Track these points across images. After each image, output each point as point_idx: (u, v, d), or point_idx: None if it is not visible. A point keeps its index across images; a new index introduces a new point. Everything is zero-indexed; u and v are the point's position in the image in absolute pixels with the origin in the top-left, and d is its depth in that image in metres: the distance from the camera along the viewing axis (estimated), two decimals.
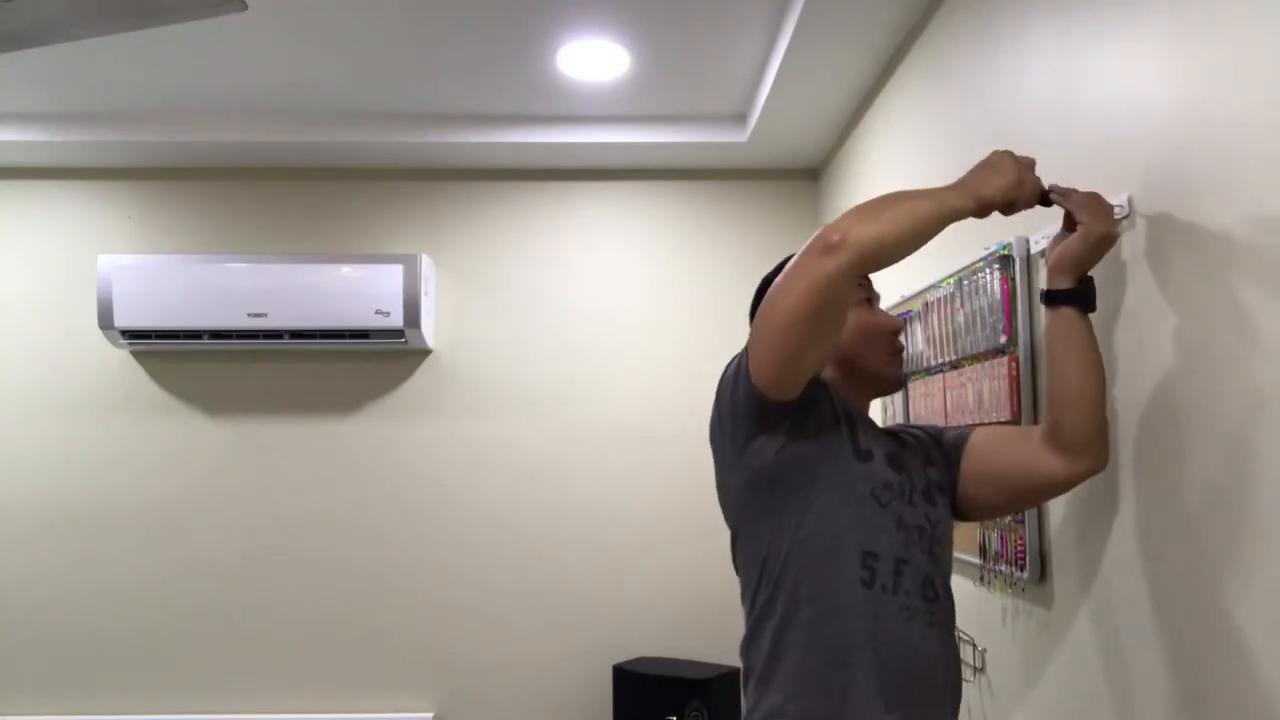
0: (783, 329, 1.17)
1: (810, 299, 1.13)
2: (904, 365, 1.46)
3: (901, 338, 1.45)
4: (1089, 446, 1.28)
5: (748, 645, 1.33)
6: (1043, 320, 1.54)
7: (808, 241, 1.16)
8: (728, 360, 1.38)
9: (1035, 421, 1.55)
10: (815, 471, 1.26)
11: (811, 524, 1.25)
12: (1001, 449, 1.38)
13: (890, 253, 1.15)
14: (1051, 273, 1.29)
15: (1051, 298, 1.28)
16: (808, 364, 1.21)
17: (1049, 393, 1.31)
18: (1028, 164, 1.26)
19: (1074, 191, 1.27)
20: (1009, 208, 1.24)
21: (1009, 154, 1.25)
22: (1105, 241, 1.24)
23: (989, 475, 1.38)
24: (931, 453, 1.42)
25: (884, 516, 1.27)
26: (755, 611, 1.30)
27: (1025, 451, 1.34)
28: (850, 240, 1.11)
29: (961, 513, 1.42)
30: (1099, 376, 1.27)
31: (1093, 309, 1.28)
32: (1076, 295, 1.27)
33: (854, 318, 1.37)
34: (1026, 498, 1.44)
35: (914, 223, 1.16)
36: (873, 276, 1.39)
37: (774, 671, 1.26)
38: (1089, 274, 1.27)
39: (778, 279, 1.20)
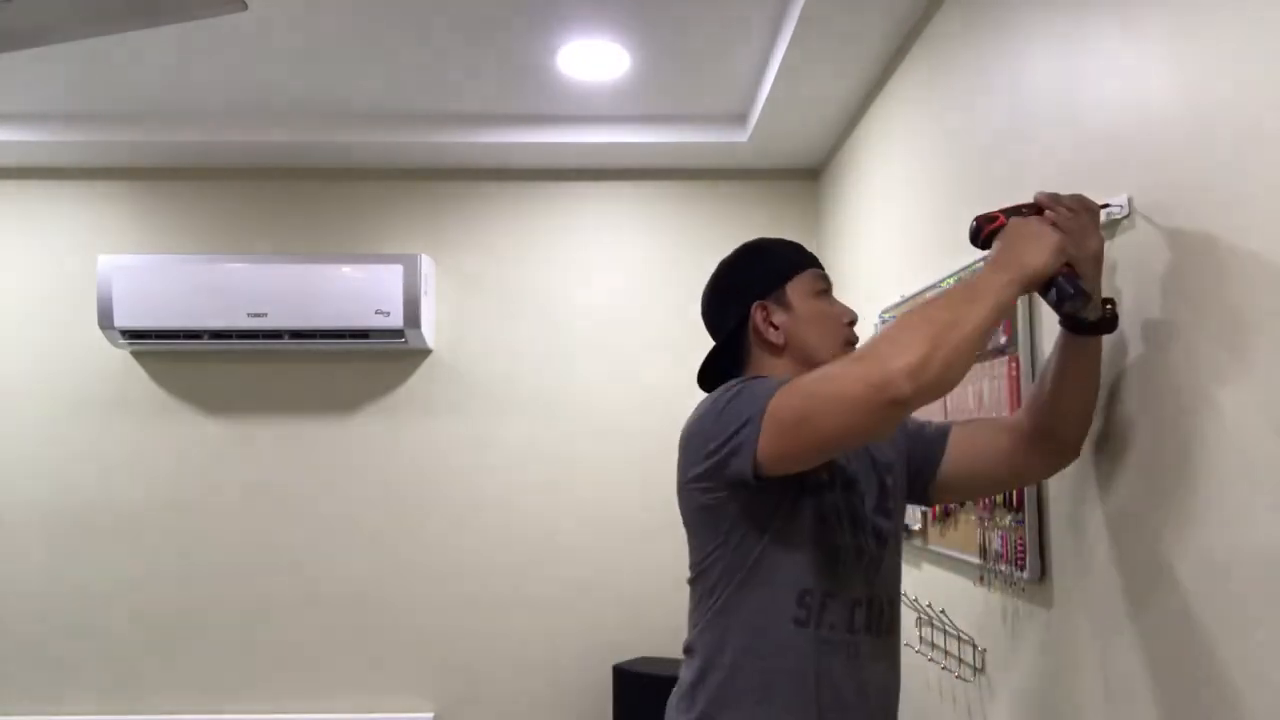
0: (814, 448, 1.15)
1: (858, 437, 1.12)
2: None
3: (856, 328, 1.43)
4: (1075, 446, 1.33)
5: (686, 654, 1.35)
6: (1043, 319, 1.54)
7: (863, 366, 1.08)
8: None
9: None
10: (770, 515, 1.27)
11: (760, 561, 1.27)
12: (983, 445, 1.42)
13: (953, 385, 1.10)
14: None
15: (1081, 327, 1.24)
16: (820, 462, 1.23)
17: (1050, 404, 1.31)
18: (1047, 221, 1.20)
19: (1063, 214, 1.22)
20: (1062, 297, 1.17)
21: (1030, 221, 1.20)
22: (1100, 255, 1.23)
23: (970, 469, 1.43)
24: (893, 454, 1.43)
25: (824, 552, 1.28)
26: (697, 627, 1.33)
27: (1010, 451, 1.37)
28: (920, 397, 1.05)
29: (931, 498, 1.47)
30: (1097, 387, 1.30)
31: (1114, 330, 1.26)
32: (1104, 325, 1.25)
33: (808, 309, 1.39)
34: (1003, 487, 1.55)
35: (977, 346, 1.10)
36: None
37: (698, 693, 1.30)
38: (1110, 299, 1.26)
39: (820, 392, 1.12)
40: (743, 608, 1.27)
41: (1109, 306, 1.25)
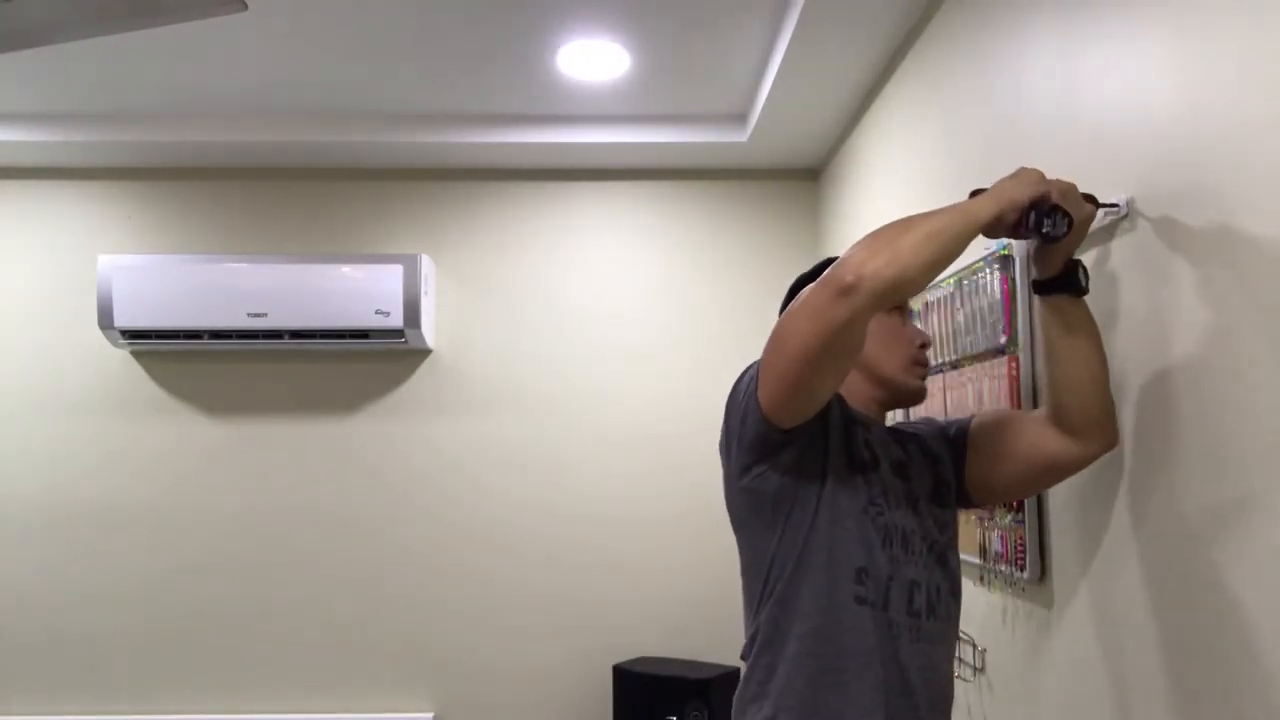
0: (795, 368, 1.16)
1: (823, 341, 1.12)
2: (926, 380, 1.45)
3: (929, 353, 1.43)
4: (1096, 428, 1.28)
5: (747, 655, 1.34)
6: (1036, 311, 1.54)
7: (826, 274, 1.13)
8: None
9: None
10: (818, 490, 1.27)
11: (812, 541, 1.26)
12: (1009, 434, 1.38)
13: (910, 287, 1.13)
14: (1037, 263, 1.28)
15: (1042, 287, 1.28)
16: (819, 397, 1.22)
17: (1048, 380, 1.31)
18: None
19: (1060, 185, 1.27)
20: (1040, 215, 1.21)
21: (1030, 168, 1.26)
22: (1084, 224, 1.24)
23: (999, 460, 1.38)
24: (938, 447, 1.43)
25: (878, 530, 1.27)
26: (756, 624, 1.31)
27: (1033, 435, 1.34)
28: (866, 284, 1.09)
29: (973, 499, 1.44)
30: (1100, 360, 1.27)
31: (1084, 292, 1.28)
32: (1065, 281, 1.27)
33: (877, 324, 1.35)
34: (1041, 480, 1.40)
35: (937, 247, 1.13)
36: None
37: (768, 686, 1.28)
38: (1075, 258, 1.27)
39: (789, 312, 1.18)
40: (802, 591, 1.25)
41: (1070, 262, 1.27)
